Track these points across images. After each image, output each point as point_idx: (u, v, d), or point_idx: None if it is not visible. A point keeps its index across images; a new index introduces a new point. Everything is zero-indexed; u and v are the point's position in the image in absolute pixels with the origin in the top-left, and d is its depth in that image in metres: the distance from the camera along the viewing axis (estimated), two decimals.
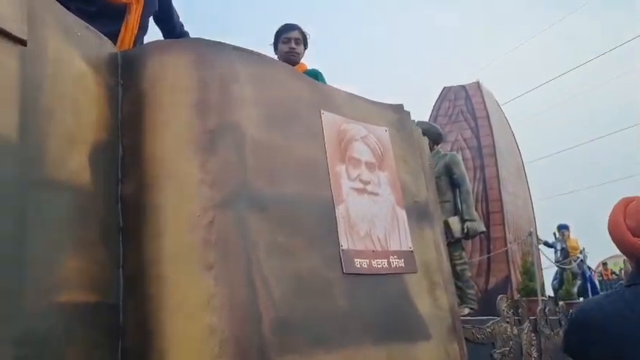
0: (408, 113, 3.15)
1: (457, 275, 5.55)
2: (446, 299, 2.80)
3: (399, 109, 3.12)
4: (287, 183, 2.33)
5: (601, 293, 13.97)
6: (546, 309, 4.75)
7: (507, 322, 3.89)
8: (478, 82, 8.35)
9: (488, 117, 7.83)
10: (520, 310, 4.17)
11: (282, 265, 2.15)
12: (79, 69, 1.93)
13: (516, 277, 7.11)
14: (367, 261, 2.54)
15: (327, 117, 2.68)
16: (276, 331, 2.01)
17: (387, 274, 2.61)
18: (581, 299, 11.49)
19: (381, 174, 2.84)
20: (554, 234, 11.94)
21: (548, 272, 10.95)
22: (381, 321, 2.47)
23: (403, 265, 2.70)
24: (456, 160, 6.16)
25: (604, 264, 19.55)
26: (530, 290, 6.47)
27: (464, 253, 5.82)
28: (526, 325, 4.15)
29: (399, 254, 2.70)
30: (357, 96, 2.97)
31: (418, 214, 2.89)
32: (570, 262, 9.90)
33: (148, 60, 2.11)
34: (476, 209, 7.60)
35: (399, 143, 2.99)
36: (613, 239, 1.75)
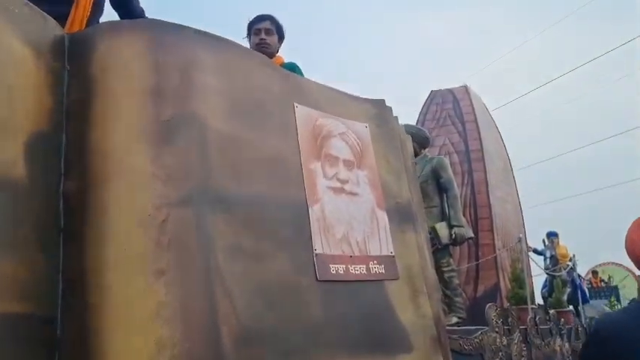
0: (390, 109, 2.95)
1: (445, 283, 5.35)
2: (430, 308, 2.59)
3: (380, 104, 2.92)
4: (255, 181, 2.12)
5: (593, 301, 13.83)
6: (537, 318, 4.56)
7: (496, 332, 3.70)
8: (466, 86, 8.21)
9: (476, 121, 7.66)
10: (510, 320, 3.98)
11: (247, 271, 1.94)
12: (16, 51, 1.71)
13: (505, 285, 6.92)
14: (344, 266, 2.34)
15: (301, 111, 2.48)
16: (239, 345, 1.80)
17: (366, 280, 2.41)
18: (571, 307, 11.36)
19: (361, 173, 2.64)
20: (544, 241, 11.82)
21: (538, 280, 10.79)
22: (359, 332, 2.26)
23: (383, 271, 2.49)
24: (444, 164, 5.97)
25: (594, 272, 19.48)
26: (519, 298, 6.28)
27: (451, 260, 5.63)
28: (516, 335, 3.96)
29: (379, 259, 2.50)
30: (335, 89, 2.77)
31: (400, 216, 2.69)
32: (560, 270, 9.74)
33: (98, 42, 1.89)
34: (464, 215, 7.42)
35: (380, 140, 2.79)
36: (630, 257, 1.87)
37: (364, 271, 2.41)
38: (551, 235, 11.81)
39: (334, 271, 2.29)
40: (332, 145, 2.56)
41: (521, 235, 6.39)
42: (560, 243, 11.73)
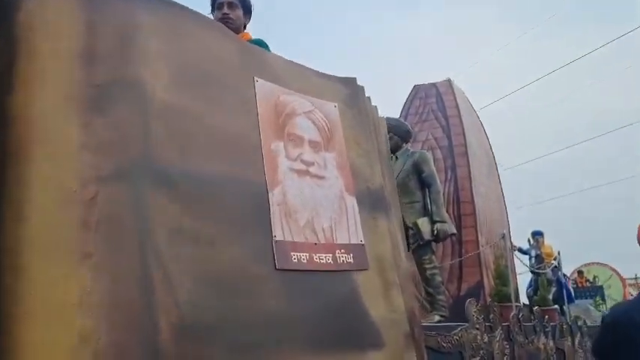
0: (362, 89, 2.75)
1: (427, 281, 5.17)
2: (403, 301, 2.40)
3: (351, 83, 2.73)
4: (205, 158, 1.91)
5: (578, 301, 13.78)
6: (520, 315, 4.39)
7: (477, 329, 3.51)
8: (449, 80, 8.04)
9: (459, 115, 7.50)
10: (491, 316, 3.80)
11: (193, 256, 1.73)
12: None
13: (489, 283, 6.76)
14: (307, 255, 2.14)
15: (262, 85, 2.27)
16: (180, 340, 1.59)
17: (332, 270, 2.21)
18: (556, 306, 11.23)
19: (328, 155, 2.44)
20: (529, 240, 11.71)
21: (523, 280, 10.66)
22: (324, 327, 2.06)
23: (352, 260, 2.30)
24: (426, 158, 5.76)
25: (579, 272, 19.44)
26: (503, 295, 6.12)
27: (434, 257, 5.43)
28: (498, 332, 3.79)
29: (348, 248, 2.30)
30: (302, 65, 2.57)
31: (372, 203, 2.49)
32: (544, 268, 9.61)
33: (24, 0, 1.67)
34: (447, 211, 7.26)
35: (350, 121, 2.60)
36: None
37: (330, 261, 2.21)
38: (536, 235, 11.70)
39: (296, 260, 2.08)
40: (296, 124, 2.36)
41: (504, 231, 6.23)
42: (546, 242, 11.63)
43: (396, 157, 5.68)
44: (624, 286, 19.96)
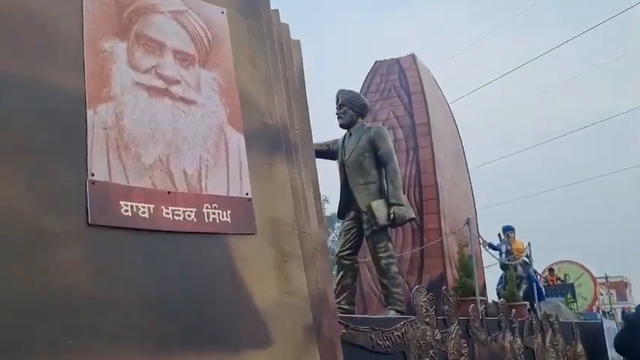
0: None
1: (382, 271, 4.51)
2: (306, 281, 1.70)
3: None
4: None
5: (549, 299, 13.37)
6: (482, 308, 3.73)
7: (427, 324, 2.84)
8: (413, 55, 7.36)
9: (423, 92, 6.82)
10: (446, 308, 3.13)
11: None
12: None
13: (453, 275, 6.12)
14: (151, 207, 1.41)
15: None
16: None
17: (194, 233, 1.49)
18: (526, 302, 10.74)
19: (206, 74, 1.71)
20: (499, 235, 11.28)
21: (493, 277, 10.11)
22: (168, 318, 1.35)
23: (229, 219, 1.58)
24: (382, 134, 5.06)
25: (550, 270, 19.23)
26: (467, 288, 5.47)
27: (390, 245, 4.74)
28: (454, 327, 3.12)
29: (223, 202, 1.59)
30: None
31: (269, 144, 1.78)
32: (514, 259, 9.05)
33: None
34: (408, 196, 6.59)
35: (245, 35, 1.88)
36: None
37: (193, 218, 1.50)
38: (507, 230, 11.27)
39: (128, 213, 1.36)
40: (153, 23, 1.63)
41: (469, 216, 5.60)
42: (517, 238, 11.22)
43: (350, 134, 5.03)
44: (595, 284, 19.80)
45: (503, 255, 11.07)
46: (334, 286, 4.67)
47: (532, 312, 8.59)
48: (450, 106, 8.19)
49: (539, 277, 14.11)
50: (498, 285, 11.50)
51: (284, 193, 1.76)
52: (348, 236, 4.92)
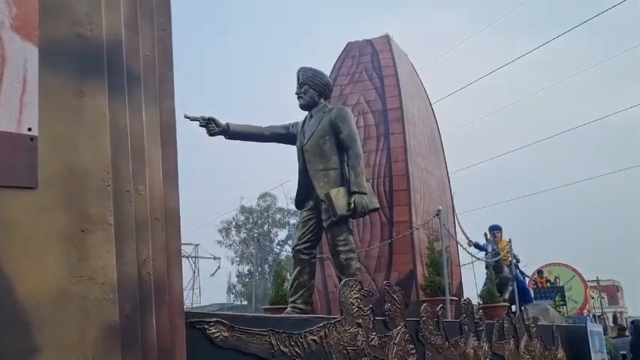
0: None
1: (341, 267, 4.03)
2: (115, 261, 1.15)
3: None
4: None
5: (537, 301, 12.95)
6: (441, 308, 3.19)
7: (359, 326, 2.30)
8: (387, 36, 6.76)
9: (396, 75, 6.25)
10: (388, 307, 2.58)
11: None
12: None
13: (423, 273, 5.58)
14: None
15: None
16: None
17: None
18: (514, 307, 10.38)
19: None
20: (485, 235, 10.88)
21: (479, 279, 9.61)
22: None
23: None
24: (343, 114, 4.54)
25: (539, 272, 18.86)
26: (436, 287, 4.95)
27: (351, 238, 4.23)
28: (398, 330, 2.57)
29: None
30: None
31: (81, 65, 1.24)
32: (500, 259, 8.56)
33: None
34: (377, 187, 6.06)
35: None
36: None
37: None
38: (494, 229, 10.93)
39: None
40: None
41: (440, 206, 5.04)
42: (504, 238, 10.85)
43: (311, 116, 4.54)
44: (586, 287, 19.43)
45: (489, 255, 10.63)
46: (290, 282, 4.17)
47: (517, 315, 8.15)
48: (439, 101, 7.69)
49: (526, 278, 13.67)
50: (484, 287, 11.01)
51: (97, 135, 1.22)
52: (306, 228, 4.43)
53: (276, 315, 1.95)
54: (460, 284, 6.95)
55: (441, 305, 3.45)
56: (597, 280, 31.25)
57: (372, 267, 5.80)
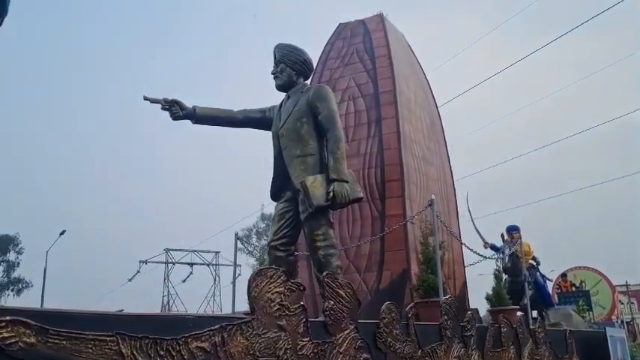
0: None
1: (319, 264, 3.51)
2: None
3: None
4: None
5: (559, 306, 12.27)
6: (410, 307, 2.59)
7: (281, 329, 1.73)
8: (381, 15, 6.15)
9: (389, 55, 5.62)
10: (331, 304, 1.99)
11: None
12: None
13: (418, 271, 4.96)
14: None
15: None
16: None
17: None
18: (535, 312, 9.78)
19: None
20: (502, 236, 10.25)
21: (479, 276, 8.98)
22: None
23: None
24: (323, 93, 4.01)
25: (563, 275, 18.14)
26: (429, 287, 4.35)
27: (331, 231, 3.70)
28: (346, 335, 1.99)
29: None
30: None
31: None
32: (517, 260, 7.92)
33: None
34: (369, 178, 5.47)
35: None
36: None
37: None
38: (512, 230, 10.30)
39: None
40: None
41: (433, 196, 4.42)
42: (523, 239, 10.23)
43: (288, 97, 4.03)
44: (613, 292, 18.62)
45: (507, 258, 10.01)
46: None
47: (542, 320, 7.62)
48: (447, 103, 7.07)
49: (547, 282, 13.01)
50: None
51: None
52: (282, 222, 3.90)
53: (133, 313, 1.40)
54: (464, 285, 6.31)
55: (389, 304, 2.68)
56: (626, 285, 30.06)
57: (362, 266, 5.21)
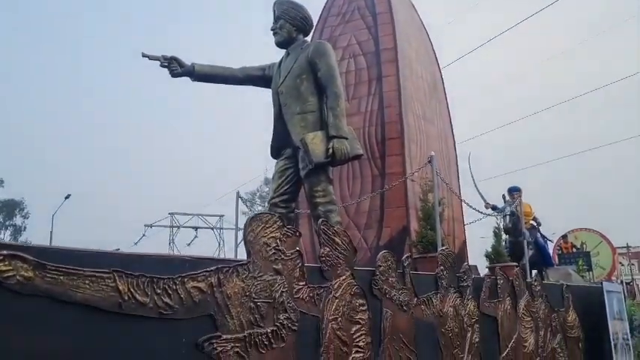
0: None
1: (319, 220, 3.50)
2: None
3: None
4: None
5: (559, 266, 12.37)
6: (407, 256, 2.63)
7: (277, 272, 1.76)
8: None
9: (391, 12, 5.58)
10: (327, 251, 2.00)
11: None
12: None
13: (418, 228, 5.02)
14: None
15: None
16: None
17: None
18: (535, 272, 9.90)
19: None
20: (503, 197, 10.28)
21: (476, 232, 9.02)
22: None
23: None
24: (322, 49, 4.01)
25: (563, 237, 18.22)
26: (429, 242, 4.41)
27: (330, 188, 3.75)
28: (342, 281, 2.02)
29: None
30: None
31: None
32: (517, 219, 7.97)
33: None
34: (369, 136, 5.48)
35: None
36: None
37: None
38: (513, 191, 10.32)
39: None
40: None
41: (433, 152, 4.44)
42: (524, 200, 10.25)
43: (288, 54, 4.02)
44: (614, 253, 18.73)
45: (507, 218, 10.05)
46: None
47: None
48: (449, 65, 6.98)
49: (548, 242, 13.08)
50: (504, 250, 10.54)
51: None
52: (283, 179, 3.95)
53: (129, 252, 1.44)
54: (464, 244, 6.37)
55: (385, 253, 2.66)
56: (627, 247, 30.19)
57: (362, 223, 5.27)
